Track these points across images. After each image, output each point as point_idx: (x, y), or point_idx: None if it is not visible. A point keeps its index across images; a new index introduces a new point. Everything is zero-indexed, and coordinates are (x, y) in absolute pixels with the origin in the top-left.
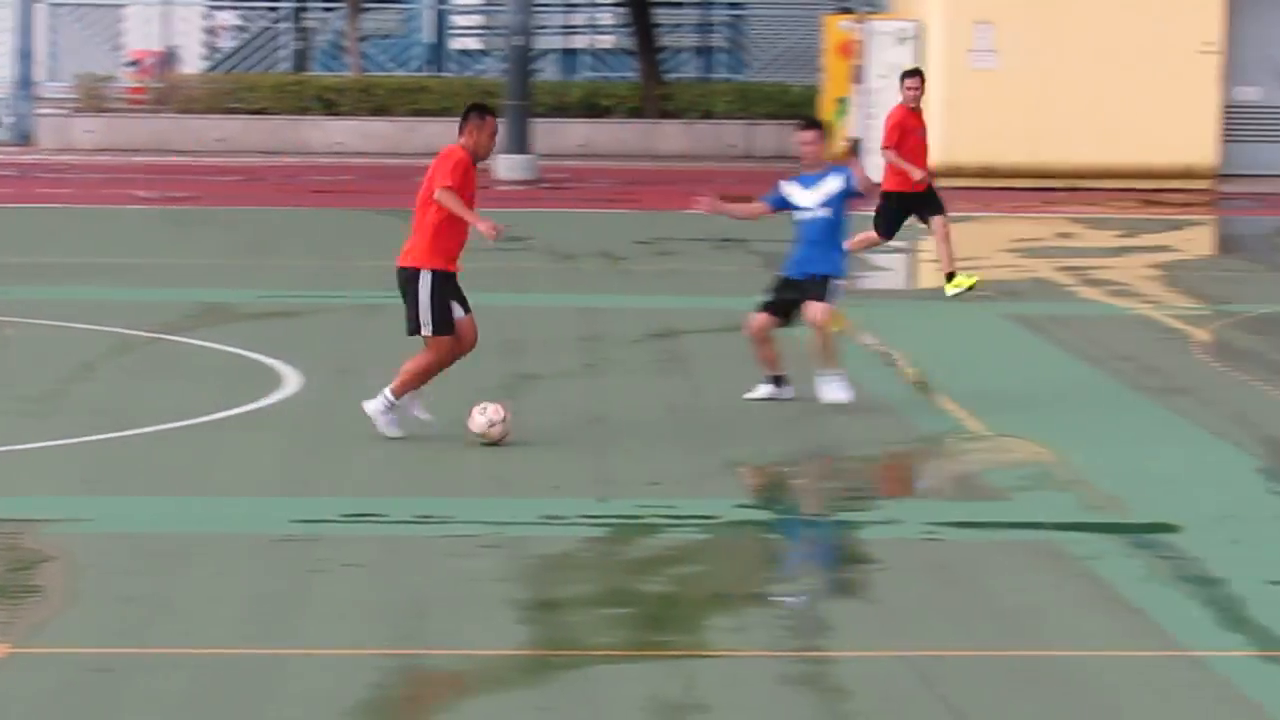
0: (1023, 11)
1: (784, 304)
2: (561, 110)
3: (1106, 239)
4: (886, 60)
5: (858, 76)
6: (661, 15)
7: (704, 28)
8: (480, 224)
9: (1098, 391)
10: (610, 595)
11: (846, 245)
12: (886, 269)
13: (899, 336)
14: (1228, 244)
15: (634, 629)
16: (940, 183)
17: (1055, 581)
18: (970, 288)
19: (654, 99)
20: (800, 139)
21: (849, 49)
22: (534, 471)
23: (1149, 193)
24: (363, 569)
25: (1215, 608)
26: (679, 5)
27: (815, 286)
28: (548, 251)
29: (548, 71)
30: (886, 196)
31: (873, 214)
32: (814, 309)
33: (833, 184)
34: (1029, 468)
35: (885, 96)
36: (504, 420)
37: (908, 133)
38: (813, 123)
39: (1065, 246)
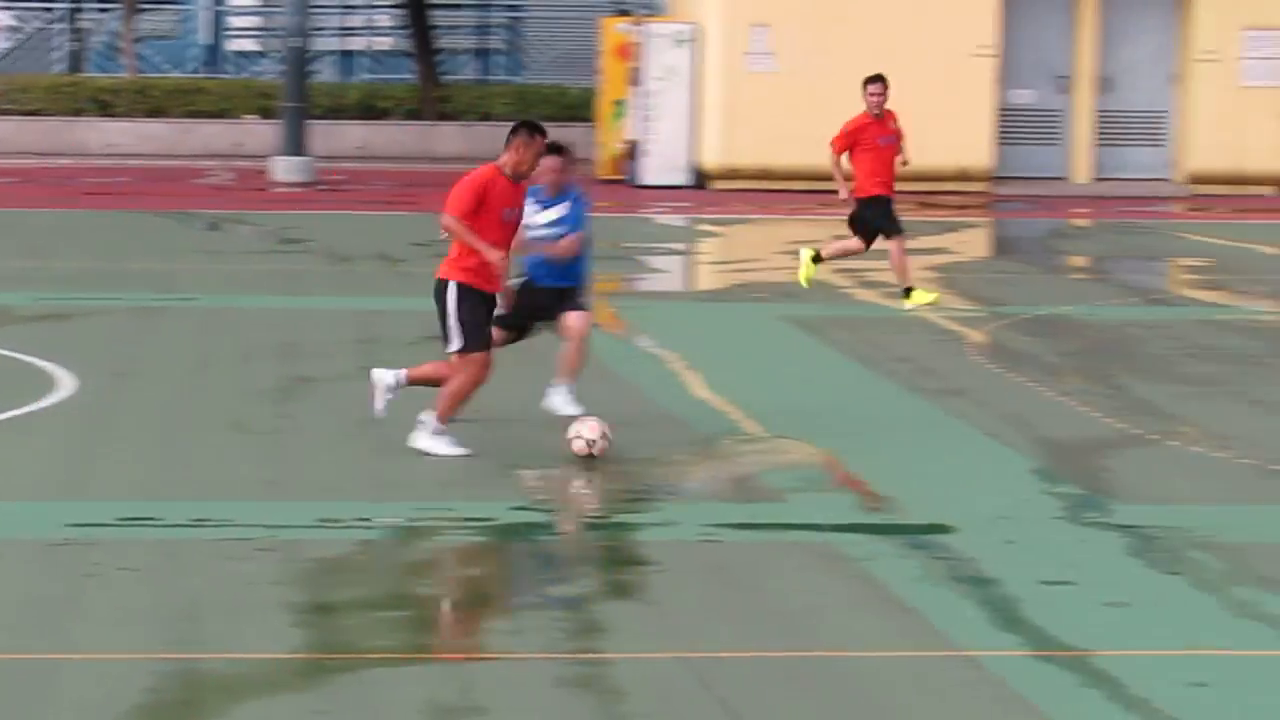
0: (800, 14)
1: (521, 323)
2: (339, 112)
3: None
4: (664, 63)
5: (635, 79)
6: (439, 17)
7: (482, 30)
8: (489, 254)
9: (874, 393)
10: (387, 598)
11: (895, 270)
12: (663, 271)
13: (675, 338)
14: (1002, 246)
15: (410, 632)
16: (719, 185)
17: (832, 582)
18: (806, 278)
19: (432, 101)
20: (548, 165)
21: (626, 51)
22: (310, 474)
23: (925, 195)
24: (138, 573)
25: (990, 608)
26: (457, 7)
27: (570, 295)
28: (325, 254)
29: (325, 73)
30: (860, 203)
31: (854, 219)
32: (577, 319)
33: (566, 209)
34: (806, 469)
35: (663, 99)
36: (599, 438)
37: (861, 143)
38: (558, 149)
39: None
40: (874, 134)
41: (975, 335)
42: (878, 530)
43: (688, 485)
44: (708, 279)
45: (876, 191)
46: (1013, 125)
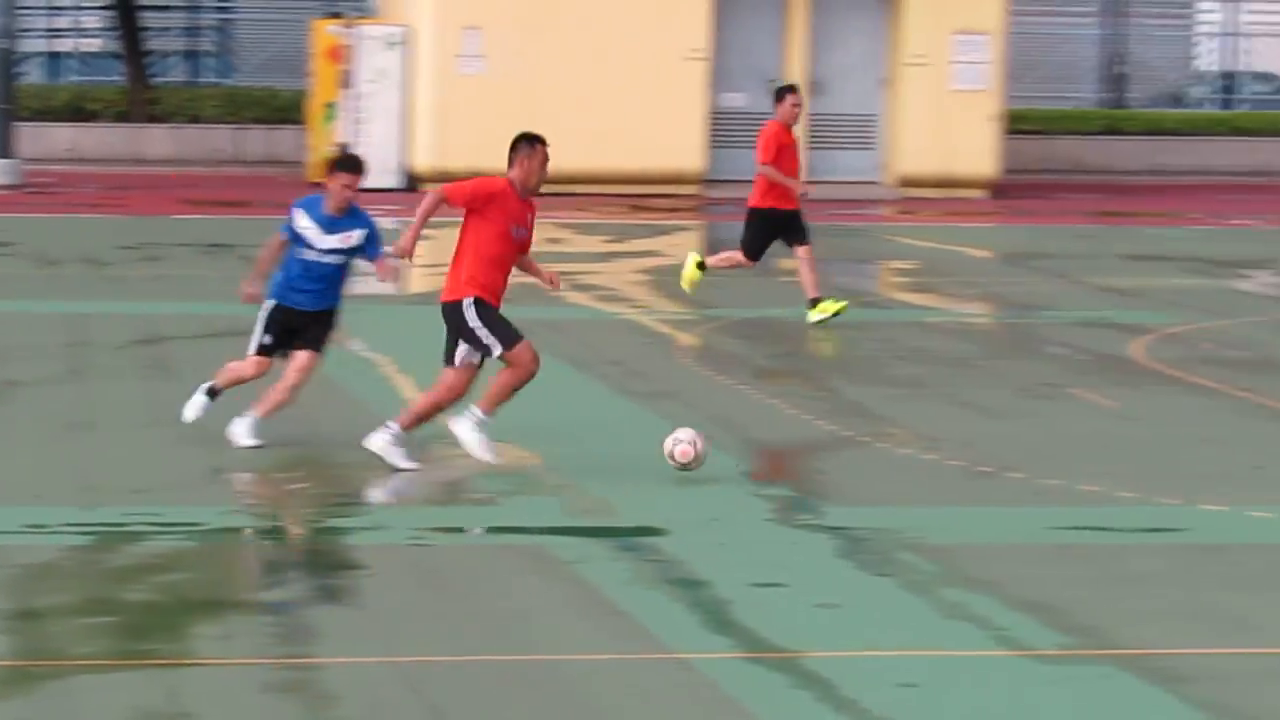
0: (511, 17)
1: (286, 344)
2: (47, 114)
3: (595, 244)
4: (375, 65)
5: (346, 81)
6: (148, 19)
7: (191, 32)
8: (402, 244)
9: (585, 396)
10: (94, 604)
11: (711, 262)
12: (374, 274)
13: (387, 342)
14: (714, 249)
15: (118, 638)
16: (431, 188)
17: (542, 586)
18: (836, 313)
19: (141, 103)
20: (343, 180)
21: (337, 54)
22: (16, 479)
23: (637, 198)
24: None
25: (701, 610)
26: (166, 9)
27: (323, 323)
28: (32, 257)
29: (33, 75)
30: (756, 214)
31: (742, 232)
32: (306, 359)
33: (356, 236)
34: (516, 473)
35: (374, 101)
36: (693, 451)
37: (782, 151)
38: (356, 164)
39: (554, 251)
40: (787, 146)
41: (686, 338)
42: (588, 533)
43: (398, 489)
44: (419, 282)
45: (769, 205)
46: (724, 128)
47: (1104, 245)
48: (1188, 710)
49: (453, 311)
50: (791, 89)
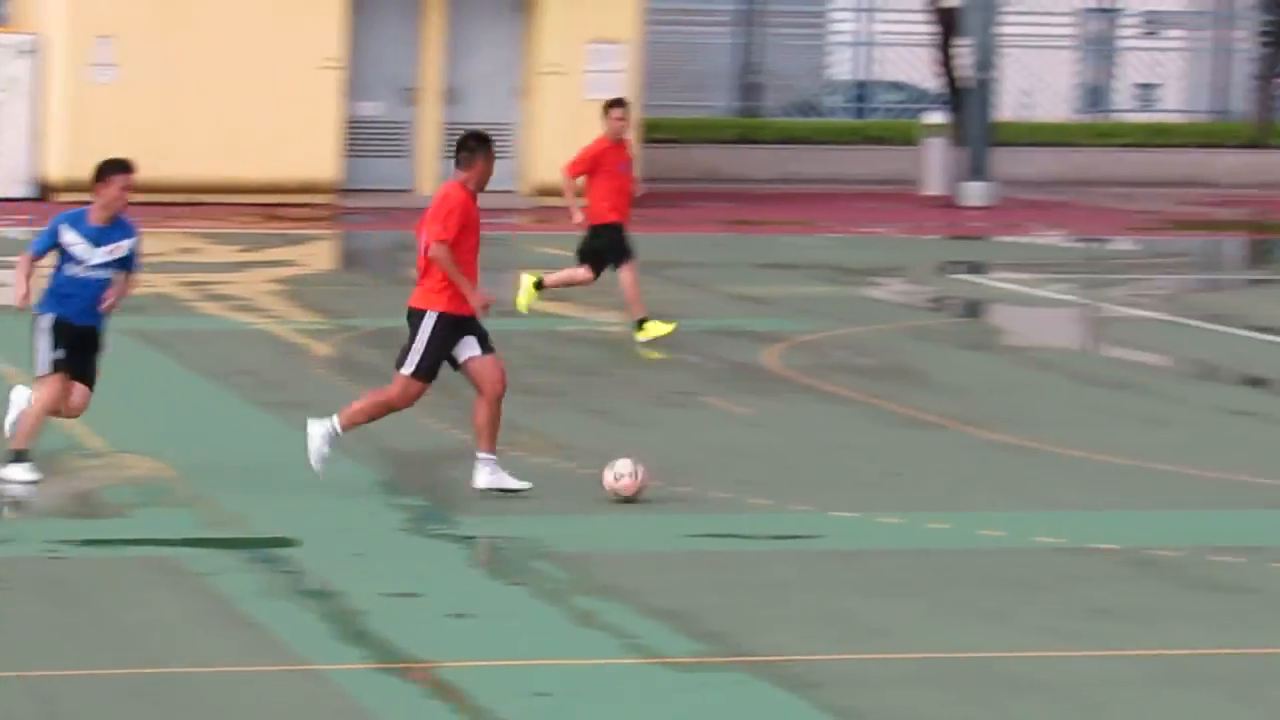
0: (145, 25)
1: (76, 362)
2: None
3: (228, 254)
4: (5, 74)
5: None
6: None
7: None
8: (471, 296)
9: (219, 406)
10: None
11: (629, 300)
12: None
13: (18, 353)
14: (349, 258)
15: None
16: (64, 198)
17: (174, 598)
18: (523, 304)
19: None
20: (120, 183)
21: None
22: None
23: (271, 207)
24: None
25: (334, 621)
26: None
27: (94, 343)
28: None
29: None
30: (598, 230)
31: (585, 250)
32: (81, 400)
33: (125, 247)
34: (149, 484)
35: (4, 110)
36: (633, 475)
37: (603, 168)
38: (128, 165)
39: (187, 262)
40: (613, 160)
41: (321, 348)
42: (221, 544)
43: (29, 501)
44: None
45: (612, 219)
46: (359, 137)
47: (737, 254)
48: (819, 715)
49: (416, 316)
50: (617, 102)
